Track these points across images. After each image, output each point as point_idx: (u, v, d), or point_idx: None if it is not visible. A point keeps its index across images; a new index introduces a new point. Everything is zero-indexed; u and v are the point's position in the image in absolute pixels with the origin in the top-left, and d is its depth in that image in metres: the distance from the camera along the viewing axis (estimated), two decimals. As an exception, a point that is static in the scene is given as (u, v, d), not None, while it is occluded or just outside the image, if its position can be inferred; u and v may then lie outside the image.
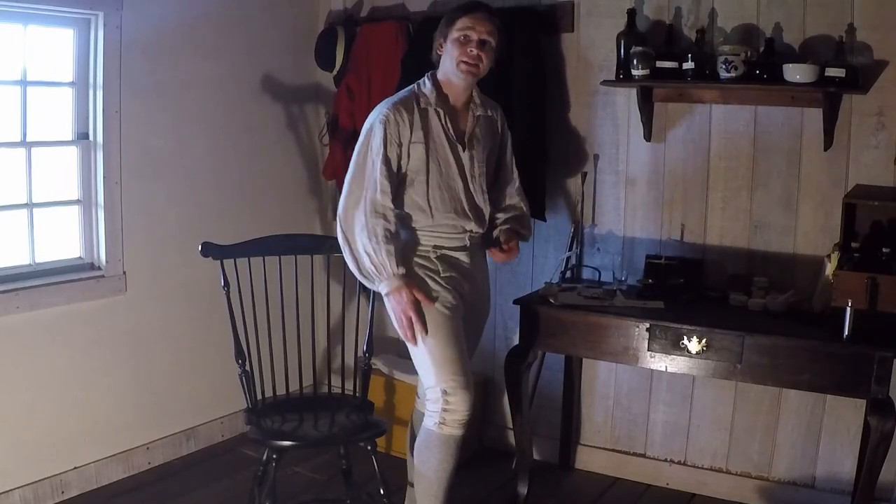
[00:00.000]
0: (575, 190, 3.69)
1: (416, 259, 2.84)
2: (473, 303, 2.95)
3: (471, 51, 2.77)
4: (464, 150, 2.87)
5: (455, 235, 2.88)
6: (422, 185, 2.82)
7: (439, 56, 2.87)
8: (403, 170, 2.81)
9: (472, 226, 2.89)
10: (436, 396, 2.74)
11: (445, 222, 2.85)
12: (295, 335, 3.15)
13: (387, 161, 2.76)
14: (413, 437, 3.04)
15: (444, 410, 2.72)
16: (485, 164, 2.93)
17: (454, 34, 2.80)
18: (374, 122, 2.80)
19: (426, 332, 2.74)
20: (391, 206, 2.75)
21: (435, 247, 2.86)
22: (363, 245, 2.74)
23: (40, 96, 3.36)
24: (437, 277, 2.83)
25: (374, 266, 2.74)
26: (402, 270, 2.73)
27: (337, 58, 4.04)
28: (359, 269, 2.79)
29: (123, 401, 3.62)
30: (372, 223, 2.73)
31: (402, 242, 2.79)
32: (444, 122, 2.85)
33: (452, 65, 2.80)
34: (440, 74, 2.88)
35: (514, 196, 3.06)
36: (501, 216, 3.02)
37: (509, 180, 3.06)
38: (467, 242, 2.90)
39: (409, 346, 2.82)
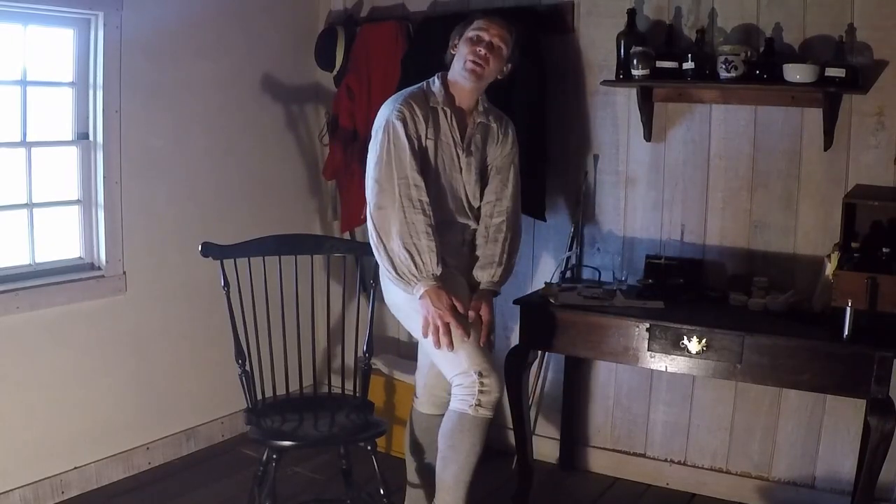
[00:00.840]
0: (575, 190, 3.69)
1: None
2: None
3: (479, 50, 2.79)
4: (464, 156, 2.90)
5: (452, 233, 2.92)
6: (428, 180, 2.82)
7: (452, 56, 2.88)
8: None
9: (467, 223, 2.93)
10: (470, 380, 2.72)
11: (444, 218, 2.86)
12: (295, 335, 3.15)
13: (414, 154, 2.76)
14: (412, 439, 3.05)
15: (481, 392, 2.71)
16: (478, 172, 2.94)
17: (469, 33, 2.82)
18: (389, 117, 2.79)
19: (468, 335, 2.73)
20: (427, 199, 2.74)
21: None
22: (403, 243, 2.72)
23: (40, 96, 3.36)
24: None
25: (415, 265, 2.72)
26: (440, 270, 2.73)
27: (337, 58, 4.04)
28: (395, 269, 2.77)
29: (123, 401, 3.62)
30: (411, 219, 2.72)
31: (440, 239, 2.77)
32: (450, 122, 2.86)
33: (460, 64, 2.82)
34: (450, 75, 2.89)
35: (499, 224, 2.97)
36: (484, 262, 2.96)
37: (503, 196, 2.97)
38: (461, 239, 2.95)
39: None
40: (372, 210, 2.81)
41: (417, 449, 3.07)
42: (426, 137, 2.81)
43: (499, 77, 2.91)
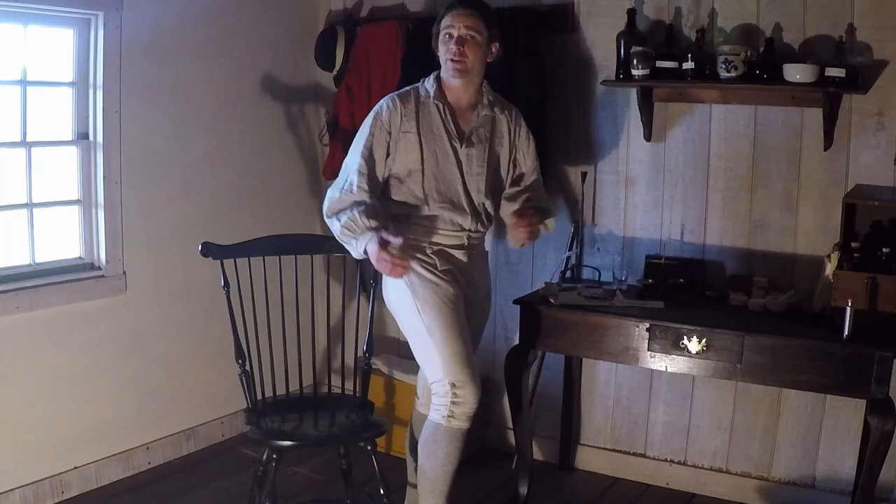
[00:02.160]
0: (575, 190, 3.69)
1: (414, 252, 2.84)
2: (473, 302, 2.96)
3: (452, 48, 2.79)
4: (461, 147, 2.88)
5: (452, 233, 2.89)
6: (417, 174, 2.84)
7: (433, 48, 2.90)
8: (393, 159, 2.84)
9: (469, 223, 2.89)
10: (444, 390, 2.73)
11: (441, 215, 2.86)
12: (295, 335, 3.15)
13: (370, 145, 2.81)
14: (413, 439, 3.04)
15: (453, 403, 2.71)
16: (486, 164, 2.92)
17: (441, 34, 2.84)
18: (373, 110, 2.88)
19: (409, 267, 2.75)
20: (366, 186, 2.78)
21: (431, 242, 2.87)
22: (332, 213, 2.80)
23: (40, 96, 3.36)
24: (434, 270, 2.84)
25: (347, 228, 2.75)
26: (373, 223, 2.73)
27: (337, 58, 4.04)
28: (338, 236, 2.83)
29: (123, 401, 3.62)
30: (341, 196, 2.79)
31: (382, 216, 2.80)
32: (443, 115, 2.87)
33: (443, 64, 2.85)
34: (442, 73, 2.91)
35: (535, 192, 3.05)
36: (518, 202, 3.00)
37: (529, 183, 3.04)
38: (465, 241, 2.91)
39: (415, 340, 2.83)
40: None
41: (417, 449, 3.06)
42: (402, 130, 2.82)
43: (489, 60, 2.88)
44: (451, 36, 2.80)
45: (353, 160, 2.83)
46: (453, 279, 2.87)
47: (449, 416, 2.73)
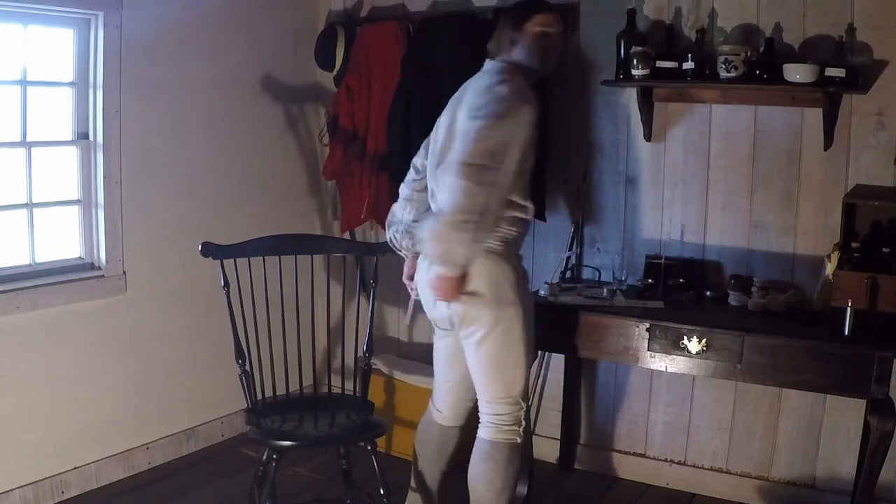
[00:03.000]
0: (575, 190, 3.69)
1: (517, 257, 2.77)
2: None
3: (554, 43, 2.78)
4: None
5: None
6: (528, 172, 2.70)
7: (509, 46, 2.75)
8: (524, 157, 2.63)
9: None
10: (516, 407, 2.73)
11: (529, 218, 2.77)
12: (295, 335, 3.15)
13: (522, 159, 2.57)
14: (426, 444, 2.98)
15: (521, 417, 2.73)
16: None
17: (534, 28, 2.75)
18: (518, 97, 2.56)
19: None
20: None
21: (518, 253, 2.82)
22: (463, 224, 2.44)
23: (40, 96, 3.36)
24: (525, 284, 2.79)
25: (450, 250, 2.49)
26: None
27: (337, 58, 4.04)
28: (436, 238, 2.53)
29: (123, 401, 3.62)
30: (491, 218, 2.52)
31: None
32: None
33: (532, 57, 2.74)
34: (528, 62, 2.74)
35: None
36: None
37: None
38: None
39: (503, 351, 2.70)
40: (469, 160, 2.45)
41: (432, 460, 3.01)
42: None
43: None
44: (547, 34, 2.76)
45: (507, 167, 2.49)
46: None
47: (522, 432, 2.75)
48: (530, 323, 2.75)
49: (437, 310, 2.78)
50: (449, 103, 2.79)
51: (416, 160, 2.97)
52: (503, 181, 2.49)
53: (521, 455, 2.78)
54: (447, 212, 2.47)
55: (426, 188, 2.84)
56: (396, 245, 2.93)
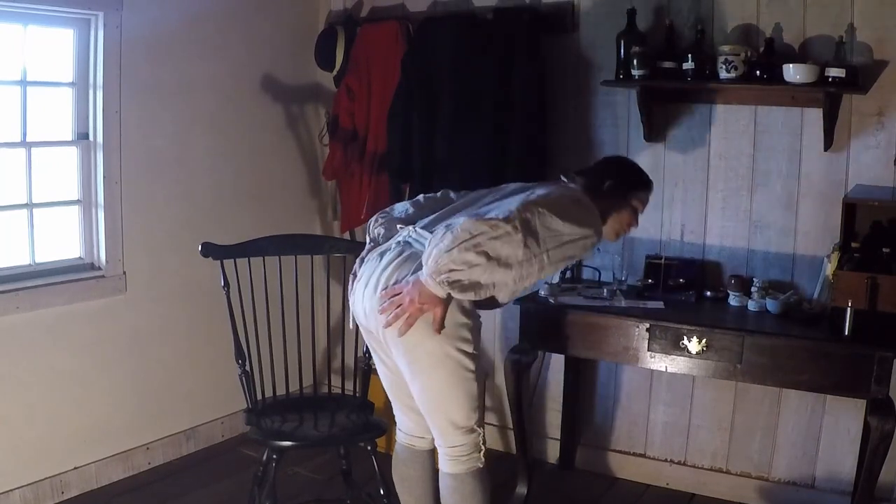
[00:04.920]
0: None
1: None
2: None
3: (635, 225, 2.74)
4: None
5: None
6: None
7: (610, 197, 2.63)
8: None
9: None
10: (470, 437, 2.55)
11: None
12: (295, 335, 3.15)
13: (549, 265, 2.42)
14: (403, 474, 2.80)
15: (480, 444, 2.59)
16: None
17: (635, 203, 2.70)
18: (593, 223, 2.46)
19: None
20: None
21: None
22: (468, 250, 2.25)
23: (40, 96, 3.36)
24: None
25: (445, 264, 2.27)
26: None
27: (337, 58, 4.04)
28: (438, 248, 2.29)
29: (123, 401, 3.62)
30: (503, 299, 2.45)
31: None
32: None
33: (617, 225, 2.67)
34: (603, 214, 2.57)
35: None
36: None
37: None
38: None
39: (452, 381, 2.50)
40: (518, 236, 2.29)
41: (424, 493, 2.82)
42: None
43: None
44: (637, 212, 2.72)
45: (543, 271, 2.38)
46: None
47: (478, 455, 2.58)
48: (477, 348, 2.53)
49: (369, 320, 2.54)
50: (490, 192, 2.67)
51: (423, 198, 2.78)
52: (536, 263, 2.34)
53: (487, 475, 2.61)
54: (456, 232, 2.28)
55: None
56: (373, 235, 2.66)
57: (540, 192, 2.48)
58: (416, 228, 2.55)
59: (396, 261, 2.50)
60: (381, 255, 2.57)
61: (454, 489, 2.60)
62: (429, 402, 2.54)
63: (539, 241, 2.32)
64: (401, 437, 2.79)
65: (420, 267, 2.38)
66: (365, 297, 2.53)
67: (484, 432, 2.60)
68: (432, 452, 2.70)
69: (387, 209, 2.79)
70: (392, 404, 2.79)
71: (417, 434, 2.74)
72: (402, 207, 2.77)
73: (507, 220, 2.28)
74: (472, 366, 2.50)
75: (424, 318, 2.39)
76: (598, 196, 2.59)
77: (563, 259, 2.41)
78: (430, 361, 2.46)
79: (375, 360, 2.70)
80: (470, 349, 2.49)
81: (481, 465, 2.60)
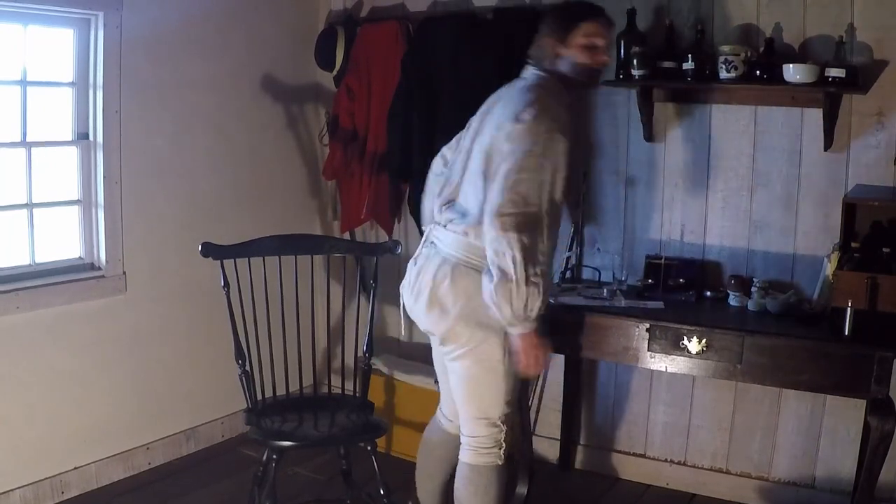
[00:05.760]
0: (575, 190, 3.68)
1: None
2: None
3: (602, 59, 2.61)
4: None
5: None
6: (563, 201, 2.56)
7: (554, 56, 2.61)
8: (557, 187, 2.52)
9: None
10: (492, 430, 2.64)
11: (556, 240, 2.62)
12: (295, 335, 3.15)
13: (564, 187, 2.50)
14: (431, 449, 2.92)
15: (502, 440, 2.65)
16: None
17: (580, 40, 2.58)
18: (551, 127, 2.46)
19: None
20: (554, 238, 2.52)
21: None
22: (533, 277, 2.37)
23: (40, 96, 3.36)
24: None
25: (529, 305, 2.40)
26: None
27: (337, 58, 4.04)
28: (508, 298, 2.39)
29: (123, 401, 3.62)
30: (547, 259, 2.48)
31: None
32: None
33: (578, 68, 2.60)
34: (568, 72, 2.60)
35: None
36: None
37: None
38: None
39: (472, 372, 2.61)
40: (512, 210, 2.37)
41: (437, 465, 2.95)
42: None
43: None
44: (596, 46, 2.60)
45: (553, 202, 2.44)
46: None
47: (498, 451, 2.66)
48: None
49: (421, 319, 2.69)
50: (485, 106, 2.70)
51: (446, 151, 2.87)
52: (543, 217, 2.41)
53: (504, 476, 2.68)
54: (509, 272, 2.36)
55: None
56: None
57: (503, 160, 2.44)
58: (437, 225, 2.68)
59: (428, 270, 2.64)
60: (415, 260, 2.73)
61: (469, 480, 2.67)
62: (459, 389, 2.68)
63: (530, 212, 2.39)
64: (438, 414, 2.95)
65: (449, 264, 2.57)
66: (414, 309, 2.71)
67: (508, 431, 2.67)
68: (458, 440, 2.79)
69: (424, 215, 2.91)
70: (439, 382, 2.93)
71: (450, 417, 2.88)
72: (437, 171, 2.88)
73: (505, 226, 2.36)
74: (502, 358, 2.59)
75: (465, 315, 2.55)
76: (554, 65, 2.61)
77: (556, 181, 2.46)
78: (466, 351, 2.60)
79: (433, 341, 2.78)
80: (493, 334, 2.56)
81: (500, 463, 2.68)
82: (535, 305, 2.41)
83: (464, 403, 2.68)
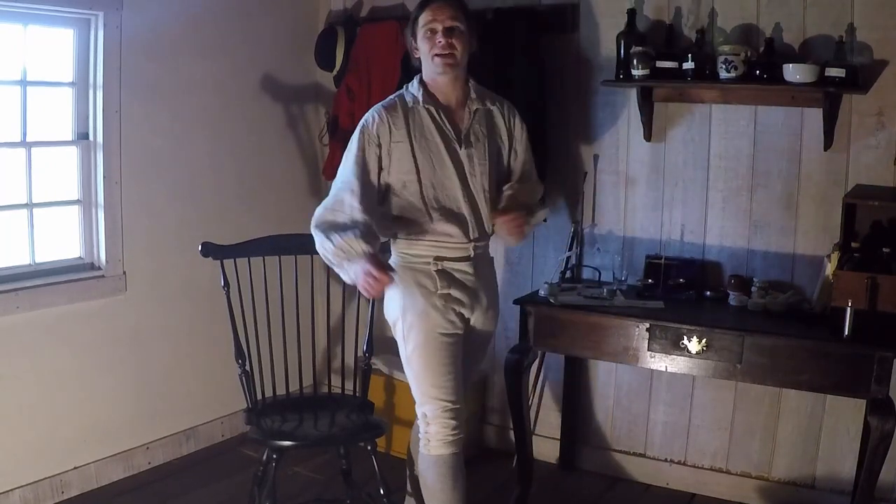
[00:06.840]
0: (575, 190, 3.69)
1: (415, 274, 2.71)
2: (476, 324, 2.81)
3: (439, 41, 2.65)
4: (461, 148, 2.71)
5: (457, 245, 2.71)
6: (414, 185, 2.68)
7: (418, 59, 2.75)
8: (388, 172, 2.69)
9: (472, 232, 2.72)
10: (422, 420, 2.75)
11: (444, 229, 2.69)
12: (295, 335, 3.15)
13: (361, 162, 2.67)
14: (414, 452, 2.96)
15: (426, 433, 2.73)
16: (488, 161, 2.75)
17: (420, 32, 2.69)
18: (358, 125, 2.74)
19: (390, 279, 2.60)
20: (360, 206, 2.62)
21: (436, 258, 2.70)
22: (323, 230, 2.63)
23: (40, 96, 3.36)
24: (434, 298, 2.70)
25: (341, 249, 2.59)
26: (369, 249, 2.58)
27: (337, 58, 4.04)
28: (326, 256, 2.67)
29: (123, 401, 3.62)
30: (334, 214, 2.64)
31: (377, 239, 2.66)
32: (438, 119, 2.70)
33: (429, 62, 2.69)
34: (425, 76, 2.75)
35: (526, 184, 2.87)
36: (503, 198, 2.80)
37: (523, 173, 2.87)
38: (470, 252, 2.73)
39: (404, 363, 2.79)
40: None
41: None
42: (393, 141, 2.67)
43: (473, 50, 2.75)
44: (433, 31, 2.66)
45: (344, 178, 2.68)
46: (455, 306, 2.73)
47: (426, 443, 2.73)
48: (429, 341, 2.70)
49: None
50: None
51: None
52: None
53: (432, 468, 2.73)
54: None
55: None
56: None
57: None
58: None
59: None
60: None
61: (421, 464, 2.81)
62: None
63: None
64: None
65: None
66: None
67: (461, 425, 2.72)
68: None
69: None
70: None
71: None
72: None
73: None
74: (403, 344, 2.78)
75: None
76: (418, 67, 2.79)
77: (353, 154, 2.72)
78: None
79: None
80: (401, 329, 2.79)
81: (426, 454, 2.74)
82: (327, 254, 2.65)
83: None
